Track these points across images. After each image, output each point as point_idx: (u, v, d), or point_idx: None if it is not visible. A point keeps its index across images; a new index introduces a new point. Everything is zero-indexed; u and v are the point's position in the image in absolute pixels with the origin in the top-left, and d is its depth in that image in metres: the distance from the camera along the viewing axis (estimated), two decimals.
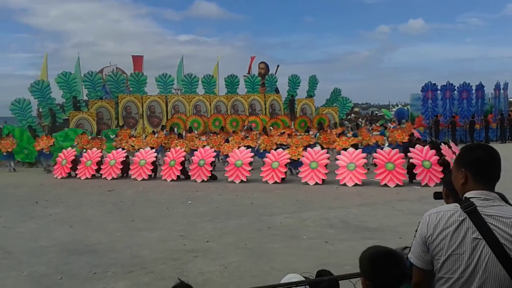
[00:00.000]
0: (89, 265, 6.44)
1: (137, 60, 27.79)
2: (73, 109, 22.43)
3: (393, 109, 37.47)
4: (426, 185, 12.28)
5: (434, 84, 25.09)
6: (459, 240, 1.90)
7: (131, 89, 24.32)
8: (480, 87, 25.67)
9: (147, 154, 15.39)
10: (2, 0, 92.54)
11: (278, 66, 30.06)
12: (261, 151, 16.05)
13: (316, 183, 13.08)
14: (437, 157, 12.69)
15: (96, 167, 15.66)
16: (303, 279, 2.99)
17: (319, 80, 27.93)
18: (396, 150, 13.60)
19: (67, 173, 15.97)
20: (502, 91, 26.76)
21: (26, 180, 15.75)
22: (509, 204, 2.01)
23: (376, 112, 45.36)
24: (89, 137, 18.19)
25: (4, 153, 18.01)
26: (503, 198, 2.01)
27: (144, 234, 8.13)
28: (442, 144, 13.72)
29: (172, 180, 14.48)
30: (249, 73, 29.30)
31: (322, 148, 14.90)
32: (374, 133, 17.23)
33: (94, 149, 16.44)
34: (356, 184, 12.64)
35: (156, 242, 7.57)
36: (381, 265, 2.00)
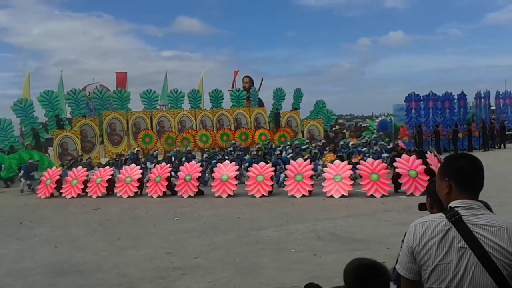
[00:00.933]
0: (75, 286, 6.34)
1: (121, 77, 27.78)
2: (56, 128, 22.22)
3: (377, 120, 37.73)
4: (412, 194, 12.38)
5: (418, 94, 25.38)
6: (446, 249, 1.91)
7: (114, 106, 24.18)
8: (463, 96, 26.03)
9: (133, 171, 15.27)
10: None
11: (262, 80, 30.28)
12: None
13: (303, 195, 13.09)
14: (423, 167, 12.81)
15: (82, 186, 15.47)
16: None
17: (303, 93, 28.10)
18: (379, 160, 13.72)
19: (51, 193, 15.73)
20: (483, 100, 27.16)
21: (9, 200, 15.48)
22: (493, 212, 2.04)
23: (360, 123, 45.66)
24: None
25: None
26: (487, 206, 2.03)
27: (131, 253, 8.03)
28: (427, 153, 13.88)
29: (159, 196, 14.37)
30: (233, 87, 29.40)
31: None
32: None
33: (80, 167, 16.28)
34: (342, 196, 12.68)
35: (143, 260, 7.48)
36: (364, 277, 2.02)
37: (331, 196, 12.77)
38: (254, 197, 13.40)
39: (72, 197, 15.09)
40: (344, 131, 31.41)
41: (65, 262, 7.58)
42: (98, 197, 14.85)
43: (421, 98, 25.34)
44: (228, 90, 28.64)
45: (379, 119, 34.35)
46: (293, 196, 13.13)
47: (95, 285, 6.33)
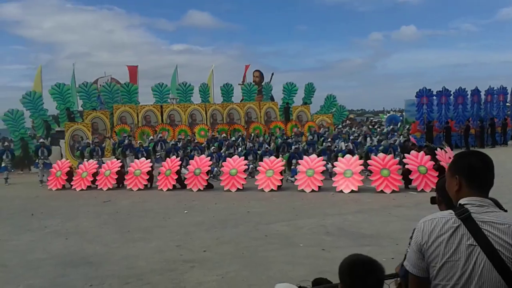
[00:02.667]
0: (86, 277, 6.40)
1: (132, 70, 27.81)
2: (68, 120, 22.36)
3: (385, 116, 37.28)
4: (422, 190, 12.31)
5: (429, 89, 25.17)
6: (454, 247, 1.90)
7: (123, 99, 24.24)
8: (476, 92, 25.75)
9: (142, 164, 15.35)
10: None
11: (272, 74, 30.18)
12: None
13: (313, 190, 13.07)
14: (432, 163, 12.73)
15: (92, 179, 15.61)
16: None
17: (315, 87, 27.80)
18: (390, 156, 13.63)
19: (62, 185, 15.90)
20: (496, 96, 26.79)
21: (21, 192, 15.66)
22: (503, 210, 2.02)
23: (372, 118, 45.36)
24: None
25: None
26: (497, 204, 2.02)
27: (140, 245, 8.09)
28: (437, 149, 13.77)
29: (168, 189, 14.44)
30: (243, 81, 29.37)
31: None
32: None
33: (91, 160, 16.44)
34: (352, 191, 12.64)
35: (152, 253, 7.53)
36: (359, 272, 2.02)
37: (341, 191, 12.74)
38: (264, 191, 13.41)
39: (82, 190, 15.24)
40: (355, 126, 31.20)
41: (76, 254, 7.66)
42: (108, 189, 14.98)
43: (434, 93, 25.14)
44: (239, 84, 28.67)
45: (388, 114, 33.96)
46: (302, 190, 13.12)
47: (105, 277, 6.39)
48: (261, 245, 7.73)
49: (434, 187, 11.75)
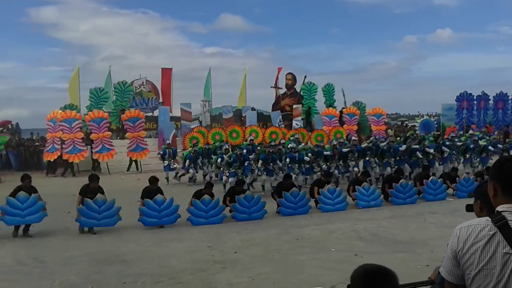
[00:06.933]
0: (119, 275, 6.52)
1: (166, 73, 28.08)
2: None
3: (418, 120, 36.18)
4: (458, 197, 12.00)
5: (470, 93, 24.60)
6: (490, 254, 1.85)
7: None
8: None
9: None
10: (34, 16, 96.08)
11: (305, 76, 29.71)
12: None
13: None
14: None
15: None
16: None
17: (344, 90, 26.91)
18: None
19: None
20: None
21: (58, 189, 16.06)
22: None
23: (407, 122, 44.45)
24: None
25: None
26: None
27: (173, 245, 8.19)
28: None
29: None
30: (276, 84, 29.17)
31: None
32: None
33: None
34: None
35: (184, 253, 7.62)
36: (371, 282, 1.96)
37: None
38: None
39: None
40: (389, 130, 30.61)
41: (110, 252, 7.82)
42: None
43: (474, 97, 24.54)
44: (271, 87, 28.61)
45: (421, 119, 32.91)
46: None
47: (138, 275, 6.50)
48: (292, 249, 7.70)
49: (470, 193, 11.33)
